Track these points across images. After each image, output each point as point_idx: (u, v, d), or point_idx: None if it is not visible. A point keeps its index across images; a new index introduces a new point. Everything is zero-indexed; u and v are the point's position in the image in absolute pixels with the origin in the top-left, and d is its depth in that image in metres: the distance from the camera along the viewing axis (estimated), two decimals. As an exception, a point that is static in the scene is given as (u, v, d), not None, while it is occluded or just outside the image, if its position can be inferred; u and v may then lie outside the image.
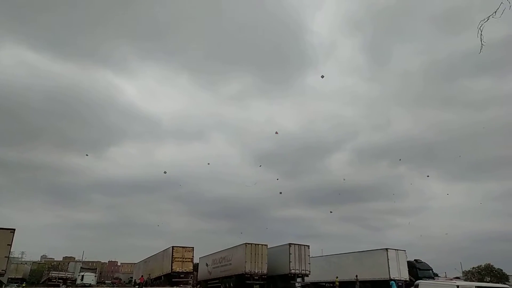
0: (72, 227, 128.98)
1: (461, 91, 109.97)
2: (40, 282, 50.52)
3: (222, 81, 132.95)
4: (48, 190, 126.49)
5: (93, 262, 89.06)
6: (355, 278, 31.25)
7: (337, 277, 33.56)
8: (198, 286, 39.37)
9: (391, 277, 29.83)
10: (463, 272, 52.85)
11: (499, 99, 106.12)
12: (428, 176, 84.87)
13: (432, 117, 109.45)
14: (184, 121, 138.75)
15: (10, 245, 21.26)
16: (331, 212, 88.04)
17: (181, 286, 33.58)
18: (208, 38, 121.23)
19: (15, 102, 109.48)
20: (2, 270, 20.79)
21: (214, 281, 36.67)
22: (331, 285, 37.19)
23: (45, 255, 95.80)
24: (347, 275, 32.07)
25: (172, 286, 32.94)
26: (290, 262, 30.90)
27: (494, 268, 48.77)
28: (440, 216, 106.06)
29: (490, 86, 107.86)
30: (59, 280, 44.07)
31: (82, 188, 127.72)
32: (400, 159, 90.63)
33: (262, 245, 31.98)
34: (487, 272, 48.42)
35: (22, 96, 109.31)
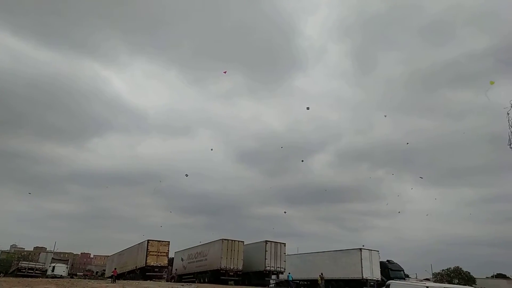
0: (46, 217, 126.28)
1: (440, 101, 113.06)
2: (9, 272, 48.98)
3: (211, 78, 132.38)
4: (22, 178, 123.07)
5: (65, 253, 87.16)
6: (320, 276, 31.66)
7: (321, 274, 32.84)
8: (172, 280, 39.02)
9: (364, 277, 30.34)
10: (433, 274, 54.41)
11: (476, 110, 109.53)
12: (412, 188, 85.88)
13: (411, 124, 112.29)
14: (171, 116, 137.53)
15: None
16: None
17: (154, 280, 33.20)
18: (200, 35, 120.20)
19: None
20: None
21: (189, 276, 36.47)
22: (305, 283, 37.54)
23: (15, 244, 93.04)
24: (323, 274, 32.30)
25: (146, 280, 32.54)
26: (266, 259, 31.01)
27: (463, 271, 50.47)
28: (415, 220, 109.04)
29: (469, 97, 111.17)
30: (29, 271, 42.74)
31: (60, 178, 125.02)
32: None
33: (238, 241, 31.97)
34: (455, 275, 50.07)
35: (5, 81, 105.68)
